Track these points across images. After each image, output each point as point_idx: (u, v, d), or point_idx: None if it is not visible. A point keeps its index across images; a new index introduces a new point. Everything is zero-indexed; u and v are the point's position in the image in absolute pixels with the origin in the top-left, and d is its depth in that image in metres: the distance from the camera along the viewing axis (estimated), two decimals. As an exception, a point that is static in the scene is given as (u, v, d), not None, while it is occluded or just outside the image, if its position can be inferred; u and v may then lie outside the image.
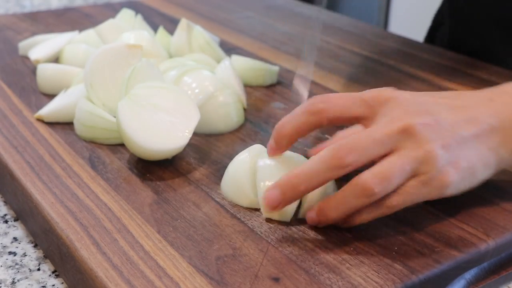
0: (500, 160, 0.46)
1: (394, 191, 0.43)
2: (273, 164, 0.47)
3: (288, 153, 0.49)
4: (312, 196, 0.46)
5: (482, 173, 0.46)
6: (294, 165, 0.47)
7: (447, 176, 0.43)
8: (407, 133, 0.43)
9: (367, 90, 0.47)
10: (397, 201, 0.43)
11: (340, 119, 0.46)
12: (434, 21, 0.98)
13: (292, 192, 0.44)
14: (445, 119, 0.45)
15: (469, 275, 0.45)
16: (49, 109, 0.60)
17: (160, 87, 0.54)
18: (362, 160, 0.43)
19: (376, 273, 0.41)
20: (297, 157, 0.49)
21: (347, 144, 0.43)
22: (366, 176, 0.42)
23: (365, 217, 0.44)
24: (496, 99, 0.48)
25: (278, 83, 0.73)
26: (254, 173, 0.48)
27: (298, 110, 0.46)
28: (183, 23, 0.73)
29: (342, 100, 0.46)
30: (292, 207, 0.46)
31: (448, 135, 0.44)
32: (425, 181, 0.43)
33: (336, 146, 0.43)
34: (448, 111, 0.46)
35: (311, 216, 0.45)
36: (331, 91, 0.71)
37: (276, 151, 0.47)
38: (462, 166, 0.44)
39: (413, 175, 0.43)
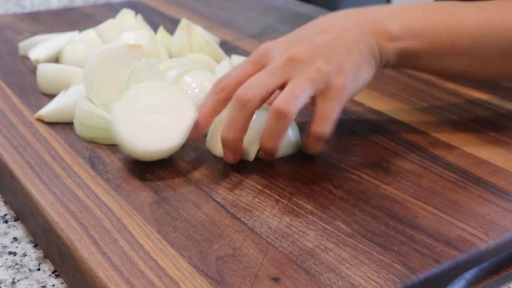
0: (375, 53, 0.54)
1: (313, 113, 0.52)
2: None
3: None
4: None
5: (367, 70, 0.54)
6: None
7: (341, 83, 0.51)
8: (292, 62, 0.51)
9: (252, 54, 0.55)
10: (321, 129, 0.52)
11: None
12: None
13: (226, 140, 0.52)
14: (319, 40, 0.53)
15: (469, 275, 0.45)
16: (49, 109, 0.60)
17: (155, 87, 0.54)
18: (262, 93, 0.50)
19: (376, 273, 0.41)
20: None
21: (246, 83, 0.51)
22: (277, 102, 0.49)
23: (305, 143, 0.55)
24: (360, 11, 0.57)
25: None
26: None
27: (230, 112, 0.52)
28: (184, 23, 0.73)
29: (235, 71, 0.54)
30: (254, 149, 0.54)
31: (325, 51, 0.52)
32: (326, 95, 0.51)
33: (237, 90, 0.51)
34: (320, 35, 0.54)
35: (225, 153, 0.53)
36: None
37: (199, 132, 0.54)
38: (348, 70, 0.52)
39: (316, 93, 0.51)
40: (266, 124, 0.50)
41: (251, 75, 0.52)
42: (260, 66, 0.53)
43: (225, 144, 0.52)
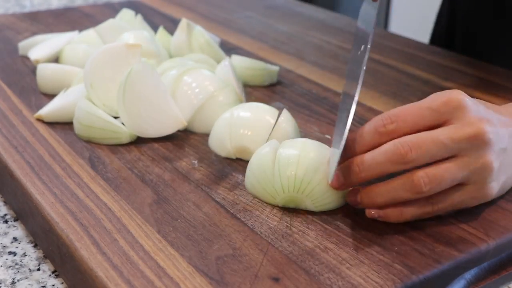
0: None
1: (441, 194, 0.45)
2: (294, 153, 0.48)
3: (307, 140, 0.49)
4: None
5: (509, 183, 0.49)
6: (313, 152, 0.48)
7: (491, 190, 0.46)
8: (476, 140, 0.44)
9: (434, 96, 0.46)
10: (443, 207, 0.45)
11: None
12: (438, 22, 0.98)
13: (353, 178, 0.45)
14: (502, 132, 0.46)
15: (469, 275, 0.45)
16: (48, 109, 0.60)
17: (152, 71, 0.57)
18: (423, 160, 0.44)
19: (376, 273, 0.41)
20: (317, 144, 0.49)
21: (411, 141, 0.44)
22: (420, 175, 0.43)
23: (410, 212, 0.45)
24: None
25: (278, 83, 0.73)
26: (277, 163, 0.48)
27: (381, 158, 0.44)
28: (183, 23, 0.73)
29: (412, 115, 0.45)
30: (288, 195, 0.47)
31: (502, 149, 0.46)
32: (471, 189, 0.45)
33: (402, 141, 0.44)
34: (502, 124, 0.47)
35: (352, 198, 0.46)
36: (332, 91, 0.71)
37: (343, 187, 0.46)
38: (501, 180, 0.47)
39: (462, 182, 0.45)
40: (391, 182, 0.45)
41: (427, 128, 0.45)
42: (439, 120, 0.45)
43: (348, 176, 0.45)
